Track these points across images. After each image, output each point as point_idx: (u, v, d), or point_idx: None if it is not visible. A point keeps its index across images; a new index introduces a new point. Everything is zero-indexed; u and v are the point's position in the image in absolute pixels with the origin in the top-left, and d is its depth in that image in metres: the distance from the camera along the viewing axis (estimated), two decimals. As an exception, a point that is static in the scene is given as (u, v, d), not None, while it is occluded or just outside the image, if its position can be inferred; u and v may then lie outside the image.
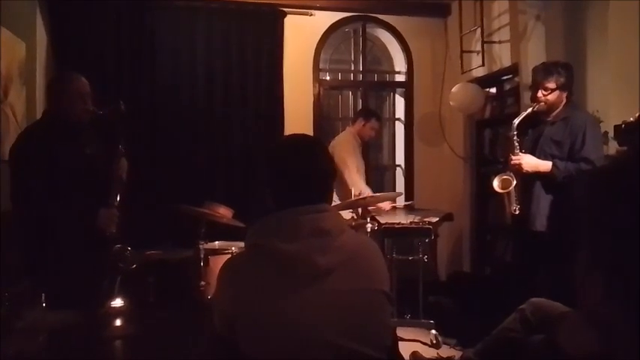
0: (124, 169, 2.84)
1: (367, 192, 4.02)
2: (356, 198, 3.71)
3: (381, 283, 1.43)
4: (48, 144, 2.60)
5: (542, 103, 3.02)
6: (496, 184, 3.10)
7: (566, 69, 3.04)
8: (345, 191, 4.04)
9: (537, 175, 2.99)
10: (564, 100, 3.04)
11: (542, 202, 2.99)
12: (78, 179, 2.65)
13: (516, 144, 3.04)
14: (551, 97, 3.00)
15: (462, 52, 4.69)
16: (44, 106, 3.98)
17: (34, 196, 2.55)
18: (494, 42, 4.42)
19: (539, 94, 3.01)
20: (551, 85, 2.99)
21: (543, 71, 3.03)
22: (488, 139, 5.01)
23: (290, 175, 1.44)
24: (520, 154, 3.02)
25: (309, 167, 1.44)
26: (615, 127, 2.72)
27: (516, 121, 3.05)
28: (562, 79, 2.99)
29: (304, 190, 1.42)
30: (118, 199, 2.74)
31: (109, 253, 2.58)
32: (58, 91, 2.74)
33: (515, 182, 3.02)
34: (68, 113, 2.70)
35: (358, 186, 4.00)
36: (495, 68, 4.47)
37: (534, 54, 3.77)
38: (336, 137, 4.49)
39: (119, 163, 2.81)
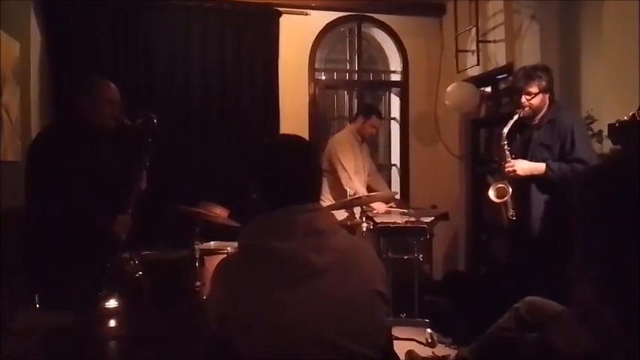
0: (145, 180, 2.90)
1: (362, 192, 4.02)
2: (351, 198, 3.71)
3: (376, 283, 1.43)
4: (71, 146, 2.61)
5: (527, 108, 3.07)
6: (492, 193, 3.12)
7: (546, 72, 3.09)
8: (339, 191, 4.04)
9: (532, 179, 3.01)
10: (547, 102, 3.09)
11: (540, 206, 3.01)
12: (96, 183, 2.66)
13: (507, 152, 3.09)
14: (535, 100, 3.06)
15: (457, 51, 4.70)
16: (40, 107, 4.02)
17: (54, 196, 2.54)
18: (490, 41, 4.43)
19: (523, 99, 3.07)
20: (534, 89, 3.04)
21: (524, 77, 3.08)
22: (483, 139, 5.03)
23: (282, 174, 1.44)
24: (512, 160, 3.05)
25: (300, 166, 1.45)
26: (609, 125, 2.73)
27: (505, 130, 3.10)
28: (543, 83, 3.05)
29: (296, 189, 1.42)
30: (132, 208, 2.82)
31: (115, 258, 2.61)
32: (88, 95, 2.74)
33: (510, 190, 3.05)
34: (95, 118, 2.72)
35: (352, 185, 4.00)
36: (490, 67, 4.48)
37: (529, 53, 3.78)
38: (335, 135, 4.48)
39: (142, 175, 2.88)
